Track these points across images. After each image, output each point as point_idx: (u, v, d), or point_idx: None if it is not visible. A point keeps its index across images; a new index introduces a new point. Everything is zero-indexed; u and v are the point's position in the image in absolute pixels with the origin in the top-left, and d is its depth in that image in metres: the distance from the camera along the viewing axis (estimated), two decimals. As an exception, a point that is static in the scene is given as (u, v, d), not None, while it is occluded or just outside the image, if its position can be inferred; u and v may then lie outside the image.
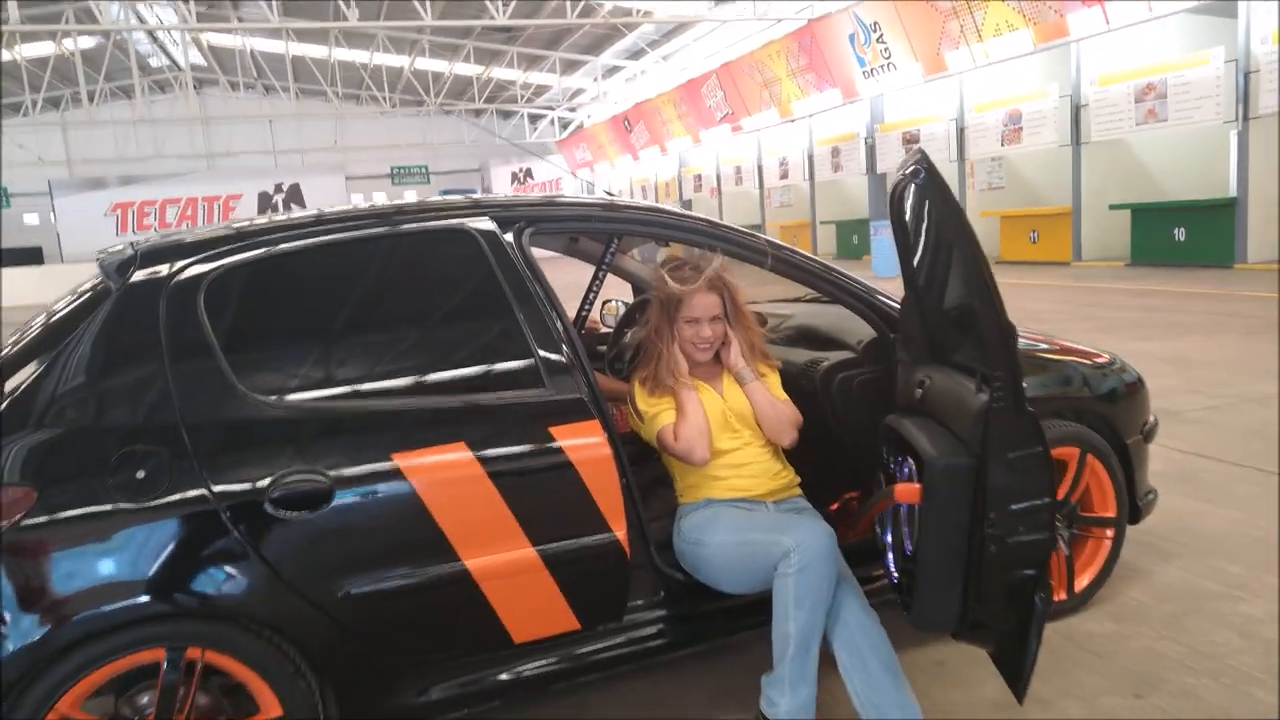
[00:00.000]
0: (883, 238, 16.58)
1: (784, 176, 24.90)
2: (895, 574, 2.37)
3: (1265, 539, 3.53)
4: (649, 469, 2.88)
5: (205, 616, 1.98)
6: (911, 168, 2.22)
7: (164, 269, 2.15)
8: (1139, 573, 3.31)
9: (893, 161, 20.23)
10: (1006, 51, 15.63)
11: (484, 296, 2.36)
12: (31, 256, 31.11)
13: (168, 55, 31.52)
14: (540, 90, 34.44)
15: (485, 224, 2.41)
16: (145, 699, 1.98)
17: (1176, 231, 13.98)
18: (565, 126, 38.12)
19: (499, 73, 31.50)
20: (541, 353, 2.32)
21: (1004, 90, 17.12)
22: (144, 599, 1.93)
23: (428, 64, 30.48)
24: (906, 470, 2.17)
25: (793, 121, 23.00)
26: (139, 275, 2.14)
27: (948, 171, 19.00)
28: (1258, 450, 4.65)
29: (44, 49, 27.02)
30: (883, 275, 16.21)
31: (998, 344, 1.97)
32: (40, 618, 1.87)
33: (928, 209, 2.18)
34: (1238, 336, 7.90)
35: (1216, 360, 6.97)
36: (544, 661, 2.33)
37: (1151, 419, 3.27)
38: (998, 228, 17.68)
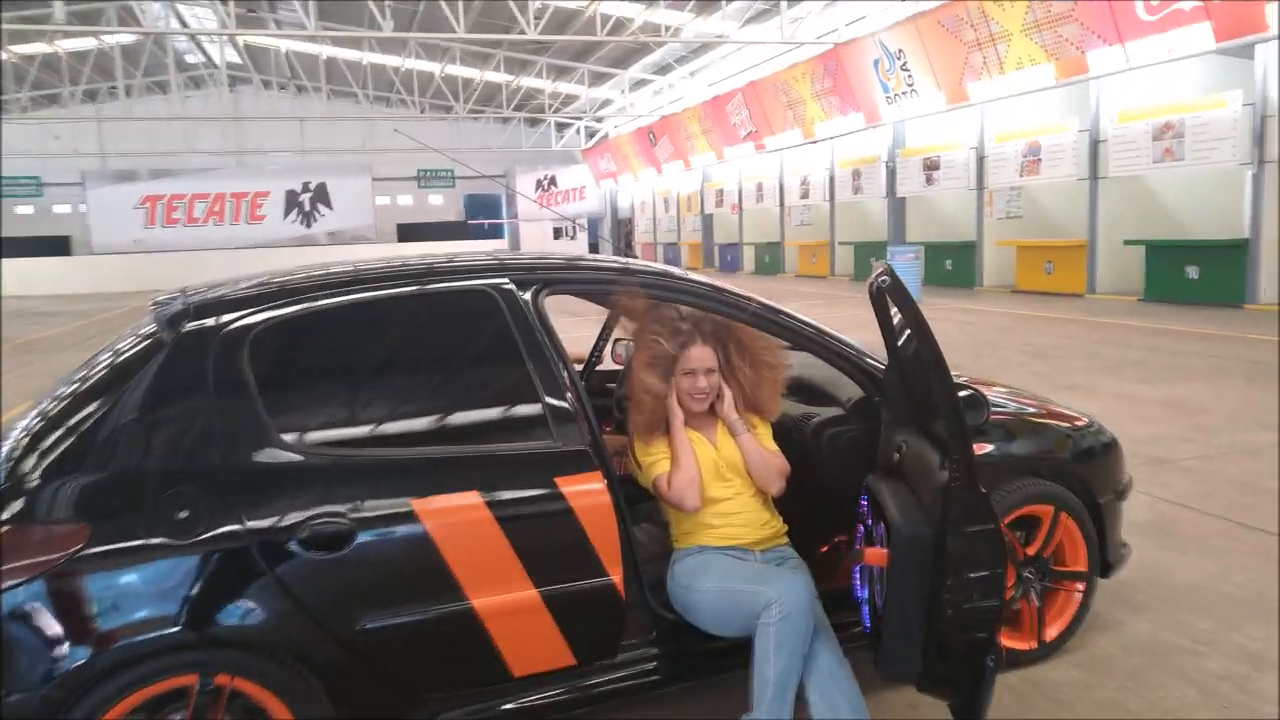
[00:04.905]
0: (898, 264, 16.69)
1: (805, 196, 25.08)
2: (869, 625, 2.57)
3: (1236, 594, 3.69)
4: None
5: (236, 646, 2.17)
6: (882, 275, 2.44)
7: (213, 322, 2.36)
8: (1109, 624, 3.47)
9: (913, 186, 20.39)
10: (1028, 85, 15.77)
11: (499, 351, 2.56)
12: (58, 247, 31.80)
13: (204, 53, 31.99)
14: (568, 100, 34.74)
15: (505, 284, 2.62)
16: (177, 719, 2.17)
17: (1189, 269, 14.10)
18: (591, 136, 38.39)
19: (528, 82, 31.84)
20: (549, 401, 2.52)
21: (1025, 122, 17.26)
22: (181, 630, 2.12)
23: (458, 70, 30.78)
24: (880, 532, 2.37)
25: (815, 142, 23.17)
26: (190, 327, 2.35)
27: (967, 199, 19.16)
28: (1242, 503, 4.79)
29: (85, 44, 27.50)
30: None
31: (955, 429, 2.18)
32: (87, 643, 2.06)
33: (901, 303, 2.40)
34: (1240, 383, 7.99)
35: (1215, 407, 7.08)
36: (543, 693, 2.51)
37: (1126, 478, 3.45)
38: (1014, 257, 17.80)
